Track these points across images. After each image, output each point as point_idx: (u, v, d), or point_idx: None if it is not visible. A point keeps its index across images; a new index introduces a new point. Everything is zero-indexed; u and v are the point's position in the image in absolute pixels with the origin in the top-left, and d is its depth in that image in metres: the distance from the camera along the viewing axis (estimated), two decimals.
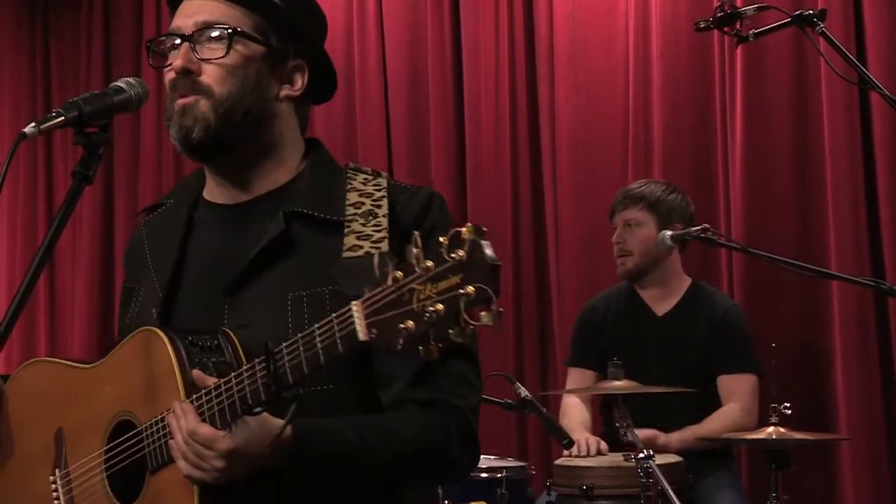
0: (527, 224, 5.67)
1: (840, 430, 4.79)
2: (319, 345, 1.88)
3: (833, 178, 4.86)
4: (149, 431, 2.13)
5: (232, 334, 2.13)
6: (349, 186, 2.26)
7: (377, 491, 2.18)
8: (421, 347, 1.75)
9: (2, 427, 2.45)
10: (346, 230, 2.15)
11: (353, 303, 1.82)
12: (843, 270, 4.61)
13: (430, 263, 1.74)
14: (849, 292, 4.77)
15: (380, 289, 1.79)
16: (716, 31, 4.15)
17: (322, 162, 2.35)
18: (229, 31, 2.21)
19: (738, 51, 4.94)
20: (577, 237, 5.45)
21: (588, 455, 4.31)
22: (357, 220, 2.16)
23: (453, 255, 1.72)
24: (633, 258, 4.60)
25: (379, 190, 2.24)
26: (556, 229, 5.53)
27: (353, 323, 1.82)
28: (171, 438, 2.04)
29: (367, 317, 1.80)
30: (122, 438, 2.19)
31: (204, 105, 2.22)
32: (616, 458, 4.14)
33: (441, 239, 1.74)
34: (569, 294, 5.42)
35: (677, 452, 4.28)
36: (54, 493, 2.33)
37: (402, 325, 1.75)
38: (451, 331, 1.73)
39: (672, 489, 3.76)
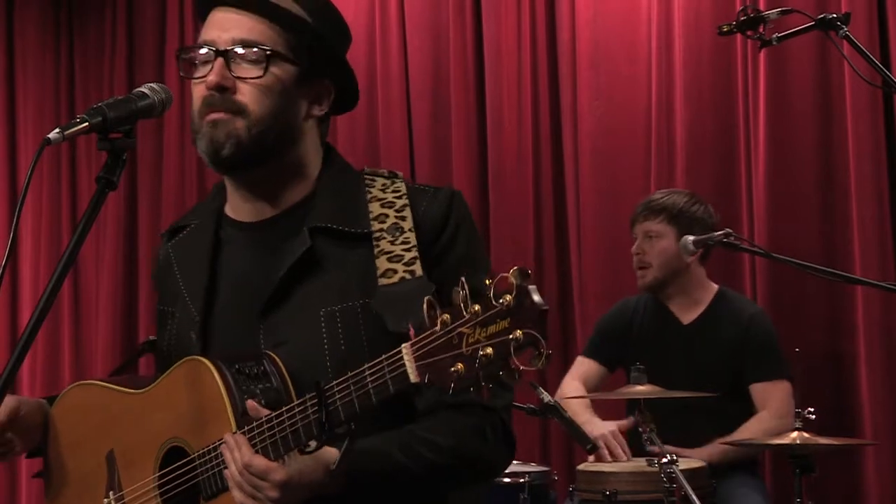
0: (549, 228, 5.66)
1: (864, 434, 4.77)
2: (371, 386, 1.93)
3: (857, 182, 4.85)
4: (202, 460, 2.18)
5: (276, 358, 2.17)
6: (369, 195, 2.28)
7: (422, 499, 2.23)
8: (472, 389, 1.80)
9: (51, 448, 2.49)
10: (376, 250, 2.19)
11: (403, 346, 1.87)
12: (867, 275, 4.59)
13: (477, 307, 1.78)
14: (873, 297, 4.75)
15: (429, 332, 1.83)
16: (739, 35, 4.15)
17: (339, 171, 2.36)
18: (268, 52, 2.22)
19: (762, 55, 4.93)
20: (599, 241, 5.44)
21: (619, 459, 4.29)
22: (385, 238, 2.20)
23: (501, 301, 1.76)
24: (653, 270, 4.58)
25: (399, 197, 2.27)
26: (578, 234, 5.52)
27: (403, 365, 1.87)
28: (226, 468, 2.09)
29: (416, 359, 1.85)
30: (175, 465, 2.23)
31: (239, 123, 2.22)
32: (639, 463, 4.13)
33: (487, 282, 1.78)
34: (591, 299, 5.41)
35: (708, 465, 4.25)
36: None
37: (452, 369, 1.80)
38: (501, 373, 1.77)
39: (695, 494, 3.75)
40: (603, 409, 4.95)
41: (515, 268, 1.77)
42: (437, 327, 1.82)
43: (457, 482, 2.28)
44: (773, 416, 4.41)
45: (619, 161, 5.47)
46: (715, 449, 4.35)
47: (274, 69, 2.22)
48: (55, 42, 7.10)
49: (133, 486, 2.33)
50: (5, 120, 7.10)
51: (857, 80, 4.45)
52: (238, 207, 2.37)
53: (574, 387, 4.70)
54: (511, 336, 1.74)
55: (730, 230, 4.14)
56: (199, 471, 2.18)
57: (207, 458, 2.16)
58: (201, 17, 2.33)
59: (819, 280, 4.60)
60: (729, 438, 4.33)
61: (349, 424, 1.98)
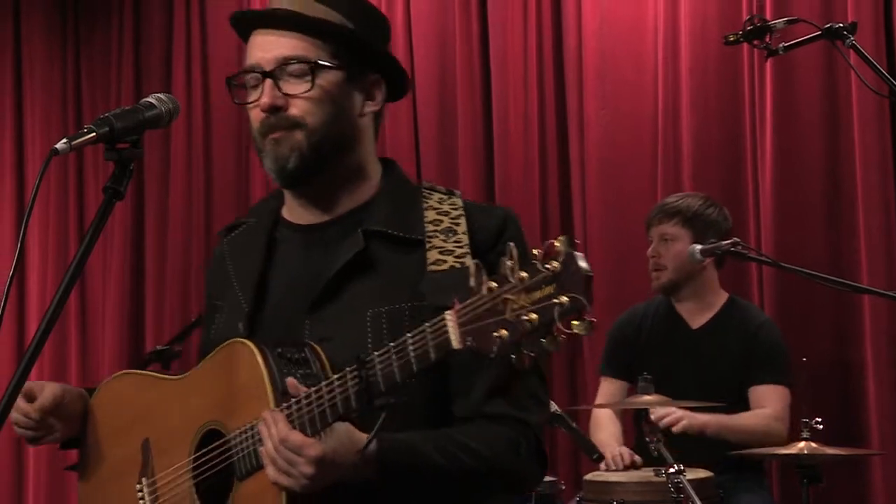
0: (555, 236, 5.60)
1: (872, 444, 4.76)
2: (412, 353, 1.96)
3: (864, 191, 4.84)
4: (238, 439, 2.19)
5: (318, 348, 2.20)
6: (426, 205, 2.33)
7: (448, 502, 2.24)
8: (514, 356, 1.81)
9: (90, 437, 2.53)
10: (428, 246, 2.22)
11: (447, 311, 1.90)
12: (874, 284, 4.59)
13: (524, 274, 1.80)
14: (880, 306, 4.74)
15: (475, 298, 1.85)
16: (745, 45, 4.14)
17: (399, 181, 2.42)
18: (311, 65, 2.26)
19: (768, 64, 4.93)
20: (606, 250, 5.44)
21: (618, 468, 4.30)
22: (438, 237, 2.24)
23: (547, 266, 1.78)
24: (667, 273, 4.59)
25: (456, 209, 2.31)
26: (584, 241, 5.51)
27: (446, 331, 1.90)
28: (262, 446, 2.09)
29: (460, 325, 1.87)
30: (210, 447, 2.26)
31: (298, 136, 2.27)
32: (646, 474, 4.12)
33: (535, 251, 1.80)
34: (597, 307, 5.38)
35: (702, 434, 4.23)
36: (140, 501, 2.41)
37: (495, 334, 1.81)
38: (543, 340, 1.78)
39: None
40: None
41: (562, 236, 1.80)
42: (484, 293, 1.83)
43: (486, 490, 2.29)
44: (771, 416, 4.40)
45: (626, 170, 5.47)
46: (714, 418, 4.32)
47: (320, 80, 2.27)
48: (62, 52, 7.11)
49: (167, 471, 2.35)
50: (13, 130, 7.12)
51: (863, 90, 4.45)
52: (295, 211, 2.42)
53: (604, 415, 4.70)
54: (556, 301, 1.76)
55: (737, 239, 4.14)
56: (234, 451, 2.20)
57: (243, 437, 2.18)
58: (244, 39, 2.39)
59: (826, 289, 4.60)
60: (727, 419, 4.30)
61: (388, 397, 1.99)
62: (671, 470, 3.79)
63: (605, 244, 5.44)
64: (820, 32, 3.89)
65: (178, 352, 4.12)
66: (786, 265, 4.13)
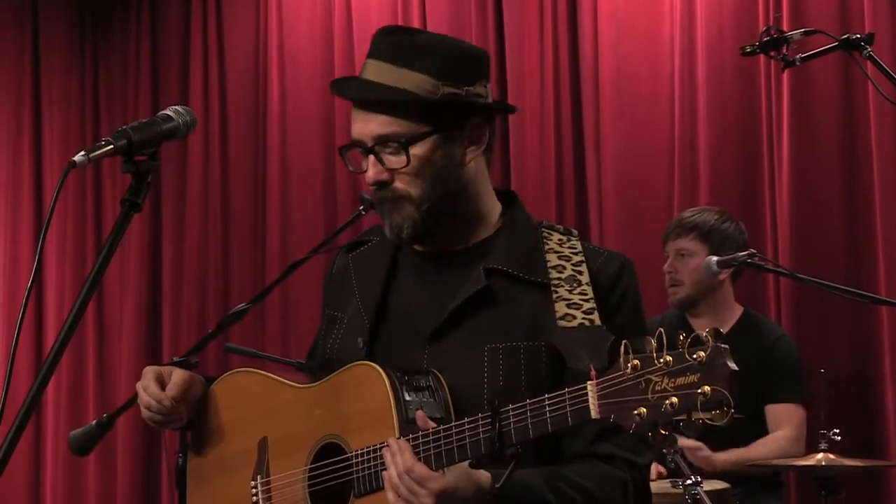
0: None
1: (890, 456, 4.75)
2: (549, 414, 2.05)
3: (882, 201, 4.83)
4: (359, 458, 2.30)
5: (441, 377, 2.31)
6: (547, 247, 2.41)
7: None
8: (650, 433, 1.91)
9: (204, 422, 2.62)
10: (555, 296, 2.31)
11: (589, 382, 1.99)
12: (892, 295, 4.58)
13: (669, 358, 1.91)
14: None
15: (619, 374, 1.95)
16: (762, 56, 4.15)
17: (520, 219, 2.49)
18: (402, 142, 2.33)
19: (785, 75, 4.92)
20: None
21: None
22: (563, 286, 2.33)
23: (694, 356, 1.88)
24: (685, 288, 4.58)
25: (576, 253, 2.40)
26: None
27: (586, 401, 2.00)
28: (384, 470, 2.20)
29: (600, 397, 1.97)
30: (330, 460, 2.36)
31: (408, 207, 2.36)
32: (664, 485, 4.11)
33: (681, 336, 1.92)
34: None
35: (722, 473, 4.24)
36: (254, 498, 2.50)
37: (636, 412, 1.92)
38: (681, 423, 1.89)
39: None
40: None
41: (709, 328, 1.91)
42: (628, 370, 1.93)
43: None
44: (788, 438, 4.40)
45: (643, 181, 5.47)
46: (732, 455, 4.32)
47: (415, 151, 2.34)
48: (80, 65, 7.14)
49: (282, 474, 2.45)
50: (31, 143, 7.14)
51: (881, 101, 4.44)
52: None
53: None
54: (699, 391, 1.87)
55: (754, 251, 4.13)
56: (354, 469, 2.30)
57: (365, 458, 2.28)
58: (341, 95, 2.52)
59: (843, 300, 4.59)
60: (743, 451, 4.31)
61: (517, 447, 2.08)
62: (688, 481, 3.78)
63: None
64: (837, 43, 3.89)
65: (195, 363, 4.12)
66: (803, 276, 4.12)
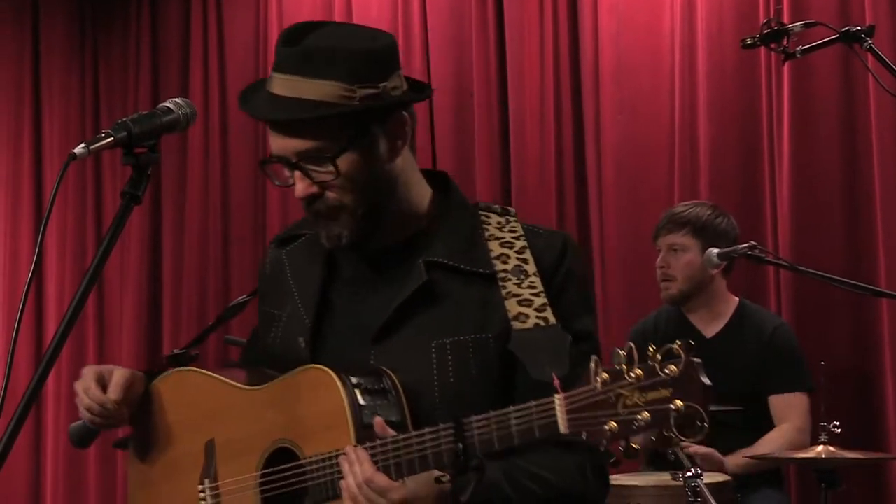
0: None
1: (891, 448, 4.75)
2: (514, 427, 2.01)
3: (882, 194, 4.83)
4: (314, 465, 2.23)
5: (395, 379, 2.23)
6: (487, 233, 2.34)
7: None
8: (621, 448, 1.88)
9: (146, 422, 2.54)
10: (504, 291, 2.25)
11: (556, 396, 1.95)
12: (893, 288, 4.58)
13: (639, 372, 1.86)
14: None
15: (588, 389, 1.91)
16: (762, 49, 4.14)
17: (455, 204, 2.41)
18: (328, 157, 2.24)
19: (785, 68, 4.92)
20: (622, 256, 5.44)
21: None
22: (510, 280, 2.26)
23: (666, 371, 1.84)
24: (677, 283, 4.58)
25: (517, 237, 2.32)
26: (601, 249, 5.52)
27: (554, 415, 1.95)
28: (341, 478, 2.14)
29: (569, 412, 1.93)
30: (283, 466, 2.29)
31: (343, 216, 2.28)
32: (664, 477, 4.11)
33: (650, 350, 1.86)
34: (615, 314, 5.40)
35: (733, 475, 4.25)
36: (202, 502, 2.43)
37: (606, 427, 1.88)
38: (653, 438, 1.85)
39: None
40: None
41: (680, 341, 1.86)
42: (598, 385, 1.89)
43: None
44: (794, 430, 4.40)
45: (643, 175, 5.46)
46: (738, 460, 4.34)
47: (342, 162, 2.24)
48: (80, 58, 7.13)
49: (232, 478, 2.38)
50: (31, 136, 7.14)
51: (881, 93, 4.44)
52: None
53: None
54: (671, 406, 1.83)
55: (754, 243, 4.14)
56: (308, 476, 2.23)
57: (320, 465, 2.22)
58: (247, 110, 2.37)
59: (844, 293, 4.59)
60: (750, 450, 4.32)
61: (481, 460, 2.06)
62: (688, 474, 3.78)
63: (622, 249, 5.44)
64: (837, 36, 3.89)
65: (195, 356, 4.12)
66: (803, 269, 4.12)
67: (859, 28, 3.84)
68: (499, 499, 2.16)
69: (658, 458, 4.31)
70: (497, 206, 2.40)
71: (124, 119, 2.09)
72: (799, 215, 4.99)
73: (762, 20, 4.15)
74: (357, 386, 2.19)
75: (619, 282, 5.44)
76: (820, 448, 3.89)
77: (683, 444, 3.98)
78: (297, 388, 2.30)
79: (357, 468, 2.11)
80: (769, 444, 4.38)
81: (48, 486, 6.86)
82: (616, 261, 5.45)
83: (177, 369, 2.56)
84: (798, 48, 3.94)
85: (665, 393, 1.83)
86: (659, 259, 4.62)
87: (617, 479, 4.22)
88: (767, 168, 5.13)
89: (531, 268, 2.26)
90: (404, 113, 2.33)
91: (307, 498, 2.24)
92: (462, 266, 2.30)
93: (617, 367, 1.89)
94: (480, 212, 2.38)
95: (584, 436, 1.90)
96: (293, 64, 2.24)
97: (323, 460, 2.21)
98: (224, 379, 2.48)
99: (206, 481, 2.42)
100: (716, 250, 4.19)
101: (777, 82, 5.07)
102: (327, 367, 2.25)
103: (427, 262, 2.30)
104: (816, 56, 4.41)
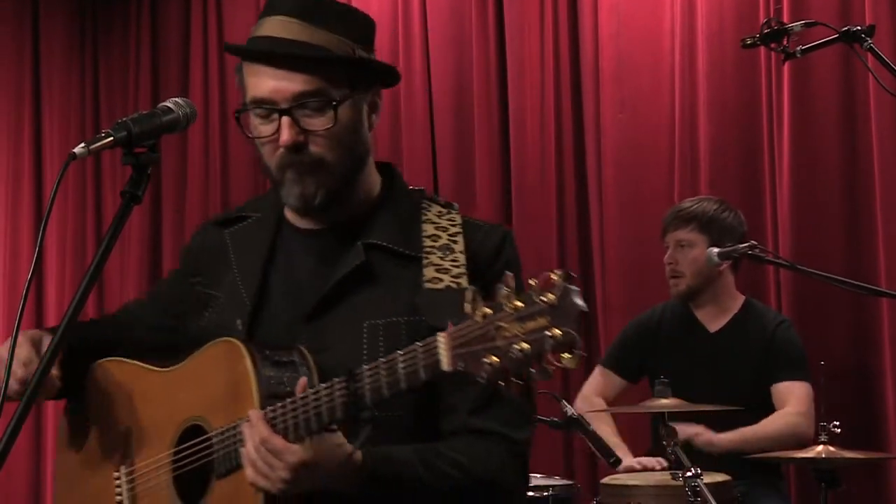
0: (572, 242, 5.66)
1: (891, 448, 4.75)
2: (402, 371, 1.97)
3: (882, 194, 4.83)
4: (219, 437, 2.20)
5: (307, 353, 2.19)
6: (424, 218, 2.33)
7: None
8: (502, 383, 1.83)
9: (75, 415, 2.53)
10: (425, 262, 2.22)
11: (440, 334, 1.91)
12: (893, 287, 4.58)
13: (518, 303, 1.82)
14: None
15: (468, 322, 1.87)
16: (762, 48, 4.14)
17: (399, 193, 2.40)
18: (334, 103, 2.23)
19: (786, 67, 4.92)
20: (622, 255, 5.44)
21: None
22: (435, 253, 2.24)
23: (543, 299, 1.80)
24: (686, 279, 4.58)
25: (454, 225, 2.32)
26: (601, 247, 5.52)
27: (437, 353, 1.91)
28: (243, 446, 2.09)
29: (452, 348, 1.88)
30: (191, 442, 2.26)
31: (322, 173, 2.25)
32: (664, 477, 4.12)
33: (531, 282, 1.82)
34: (615, 312, 5.40)
35: (725, 453, 4.24)
36: (117, 489, 2.41)
37: (486, 360, 1.83)
38: (532, 370, 1.80)
39: None
40: (626, 423, 4.94)
41: (560, 270, 1.81)
42: (478, 319, 1.85)
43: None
44: (795, 413, 4.39)
45: (643, 174, 5.47)
46: (731, 436, 4.33)
47: (341, 114, 2.23)
48: (80, 58, 7.14)
49: (146, 461, 2.36)
50: (32, 136, 7.14)
51: (881, 93, 4.43)
52: (299, 217, 2.40)
53: (597, 402, 4.70)
54: (549, 333, 1.78)
55: (755, 242, 4.14)
56: (214, 448, 2.21)
57: (225, 436, 2.19)
58: (239, 56, 2.35)
59: (844, 292, 4.59)
60: (748, 429, 4.31)
61: (373, 411, 2.00)
62: (689, 474, 3.78)
63: (622, 248, 5.44)
64: (837, 35, 3.89)
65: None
66: (803, 268, 4.12)
67: (859, 28, 3.84)
68: (409, 478, 2.14)
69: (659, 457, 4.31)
70: (442, 199, 2.40)
71: (124, 119, 2.10)
72: (799, 215, 4.99)
73: (762, 20, 4.15)
74: (263, 356, 2.17)
75: (620, 280, 5.44)
76: (820, 448, 3.89)
77: (672, 425, 4.00)
78: (207, 363, 2.28)
79: (254, 431, 2.06)
80: (769, 424, 4.37)
81: (48, 486, 6.85)
82: (616, 259, 5.46)
83: (97, 362, 2.51)
84: (798, 48, 3.94)
85: (543, 322, 1.79)
86: (667, 255, 4.63)
87: (617, 478, 4.23)
88: (767, 167, 5.13)
89: (459, 247, 2.25)
90: (380, 89, 2.35)
91: (213, 471, 2.21)
92: (397, 248, 2.29)
93: (499, 301, 1.84)
94: (424, 200, 2.39)
95: (460, 367, 1.85)
96: (296, 9, 2.25)
97: (227, 430, 2.18)
98: (141, 364, 2.46)
99: (123, 468, 2.41)
100: (716, 249, 4.20)
101: (777, 82, 5.07)
102: (236, 338, 2.23)
103: (365, 244, 2.29)
104: (816, 56, 4.40)
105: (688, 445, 3.94)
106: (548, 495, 4.18)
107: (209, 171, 6.64)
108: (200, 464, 2.23)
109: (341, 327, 2.25)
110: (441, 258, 2.23)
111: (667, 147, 5.41)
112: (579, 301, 1.79)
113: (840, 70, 4.96)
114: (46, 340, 2.39)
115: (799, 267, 4.16)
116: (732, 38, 5.07)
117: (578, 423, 4.01)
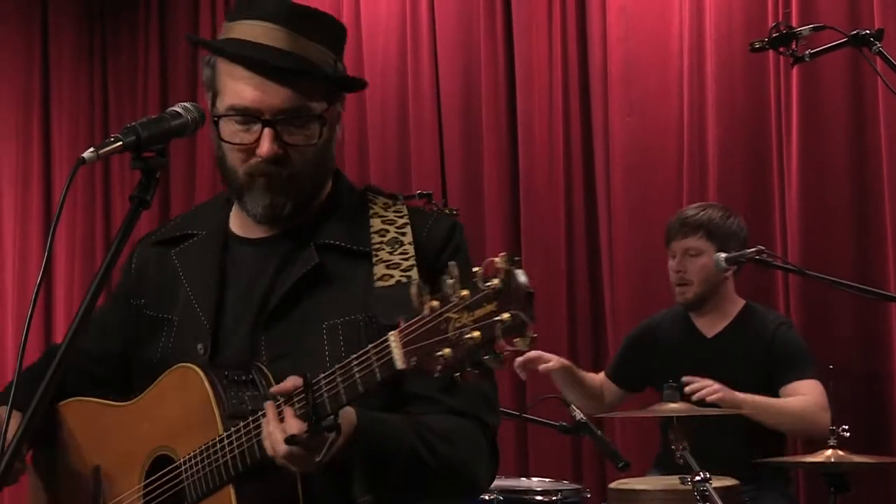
0: (580, 245, 5.66)
1: None
2: (358, 375, 1.95)
3: (891, 198, 4.82)
4: (187, 465, 2.18)
5: (265, 370, 2.18)
6: (371, 212, 2.32)
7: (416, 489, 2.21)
8: (457, 374, 1.82)
9: (41, 460, 2.50)
10: (375, 258, 2.21)
11: (391, 333, 1.89)
12: None
13: (465, 292, 1.80)
14: None
15: (417, 318, 1.85)
16: (771, 52, 4.14)
17: (344, 190, 2.39)
18: (319, 119, 2.23)
19: (794, 71, 4.91)
20: (631, 258, 5.43)
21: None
22: (384, 249, 2.23)
23: (488, 284, 1.78)
24: (694, 287, 4.57)
25: (401, 216, 2.31)
26: (609, 250, 5.51)
27: (390, 352, 1.89)
28: (213, 468, 2.12)
29: (404, 346, 1.87)
30: (160, 473, 2.24)
31: (296, 186, 2.25)
32: (672, 481, 4.10)
33: (475, 269, 1.80)
34: (623, 315, 5.40)
35: (744, 412, 4.21)
36: None
37: (439, 353, 1.81)
38: (486, 357, 1.78)
39: None
40: (635, 427, 4.93)
41: (503, 253, 1.79)
42: (426, 313, 1.84)
43: (441, 489, 2.26)
44: (812, 402, 4.34)
45: (651, 178, 5.46)
46: (760, 400, 4.30)
47: (323, 129, 2.24)
48: (89, 63, 7.15)
49: (118, 498, 2.33)
50: (41, 141, 7.16)
51: (890, 96, 4.42)
52: (246, 225, 2.38)
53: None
54: (498, 318, 1.76)
55: (762, 247, 4.14)
56: (183, 476, 2.19)
57: (192, 462, 2.17)
58: (224, 56, 2.33)
59: (852, 297, 4.58)
60: (770, 399, 4.30)
61: (335, 417, 1.98)
62: (697, 478, 3.77)
63: (630, 252, 5.43)
64: (846, 39, 3.88)
65: None
66: (811, 273, 4.12)
67: (868, 31, 3.83)
68: (403, 448, 2.14)
69: (667, 462, 4.30)
70: (387, 191, 2.40)
71: (133, 123, 2.10)
72: (807, 219, 4.98)
73: (770, 23, 4.15)
74: (222, 377, 2.16)
75: (628, 282, 5.43)
76: (829, 452, 3.88)
77: (698, 390, 3.97)
78: (166, 392, 2.27)
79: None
80: (793, 402, 4.33)
81: None
82: (624, 262, 5.45)
83: (63, 402, 2.47)
84: (807, 52, 3.93)
85: (490, 307, 1.77)
86: (675, 263, 4.61)
87: (626, 482, 4.23)
88: (776, 171, 5.12)
89: (407, 239, 2.24)
90: (344, 101, 2.35)
91: (186, 498, 2.19)
92: (348, 246, 2.28)
93: (445, 292, 1.83)
94: (369, 193, 2.38)
95: (414, 363, 1.84)
96: (281, 16, 2.23)
97: (195, 457, 2.17)
98: (99, 401, 2.43)
99: None
100: (724, 255, 4.20)
101: (786, 86, 5.06)
102: (192, 363, 2.22)
103: (318, 245, 2.28)
104: (825, 59, 4.40)
105: (697, 452, 3.92)
106: (556, 499, 4.17)
107: (217, 176, 6.61)
108: (172, 493, 2.22)
109: (301, 330, 2.25)
110: (390, 253, 2.22)
111: (675, 150, 5.41)
112: (524, 280, 1.77)
113: (849, 74, 4.95)
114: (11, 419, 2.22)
115: (807, 271, 4.16)
116: (741, 42, 5.06)
117: (587, 427, 4.00)
